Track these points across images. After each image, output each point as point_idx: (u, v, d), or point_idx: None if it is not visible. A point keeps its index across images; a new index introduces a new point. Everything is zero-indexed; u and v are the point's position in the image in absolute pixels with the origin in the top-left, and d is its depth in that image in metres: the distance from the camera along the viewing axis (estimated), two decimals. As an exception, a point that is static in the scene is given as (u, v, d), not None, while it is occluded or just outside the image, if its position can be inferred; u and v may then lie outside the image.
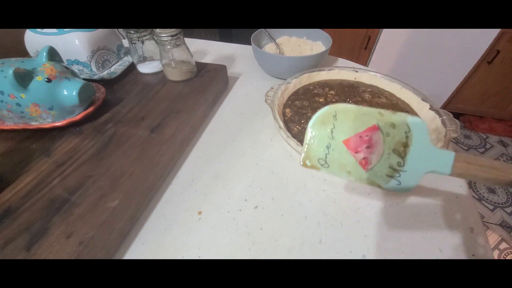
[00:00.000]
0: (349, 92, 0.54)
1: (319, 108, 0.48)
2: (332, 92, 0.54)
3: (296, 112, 0.48)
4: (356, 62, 1.44)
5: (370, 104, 0.51)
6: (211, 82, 0.51)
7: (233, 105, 0.54)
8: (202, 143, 0.46)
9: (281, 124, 0.44)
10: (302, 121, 0.46)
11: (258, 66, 0.65)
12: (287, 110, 0.50)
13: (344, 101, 0.52)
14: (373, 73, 0.56)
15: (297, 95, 0.53)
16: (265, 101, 0.49)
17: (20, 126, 0.37)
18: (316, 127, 0.29)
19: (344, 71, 0.57)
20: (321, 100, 0.52)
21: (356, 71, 0.57)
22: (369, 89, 0.55)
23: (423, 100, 0.49)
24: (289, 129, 0.44)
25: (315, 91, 0.54)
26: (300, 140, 0.44)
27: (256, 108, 0.53)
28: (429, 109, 0.47)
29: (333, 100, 0.52)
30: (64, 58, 0.51)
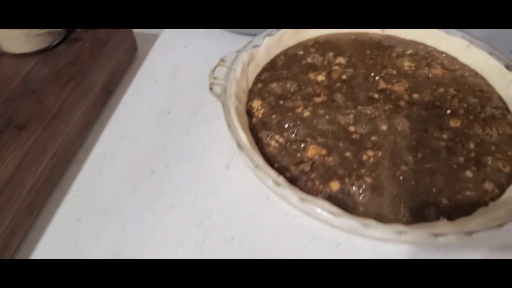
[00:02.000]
0: (374, 59, 0.51)
1: (319, 95, 0.45)
2: (341, 59, 0.50)
3: (274, 106, 0.45)
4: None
5: (415, 79, 0.48)
6: (97, 51, 0.48)
7: (147, 97, 0.52)
8: (83, 184, 0.43)
9: (243, 137, 0.38)
10: (286, 125, 0.42)
11: None
12: (256, 103, 0.45)
13: (365, 76, 0.48)
14: (415, 19, 0.53)
15: (273, 70, 0.49)
16: (210, 88, 0.43)
17: None
18: None
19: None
20: (321, 78, 0.48)
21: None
22: (409, 50, 0.52)
23: (508, 68, 0.46)
24: (261, 144, 0.41)
25: (309, 60, 0.50)
26: (284, 167, 0.39)
27: (195, 100, 0.51)
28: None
29: (344, 75, 0.48)
30: None
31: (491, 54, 0.48)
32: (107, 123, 0.48)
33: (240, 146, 0.37)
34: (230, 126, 0.39)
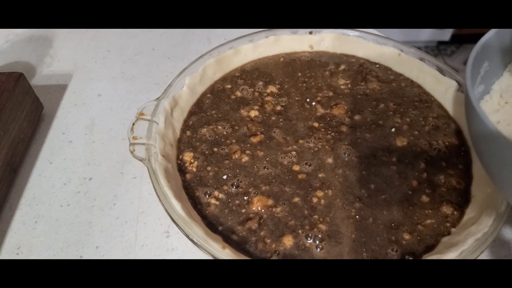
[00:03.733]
0: (307, 81, 0.48)
1: (255, 134, 0.43)
2: (272, 88, 0.48)
3: (208, 156, 0.42)
4: None
5: (353, 98, 0.46)
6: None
7: (63, 165, 0.47)
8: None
9: (177, 206, 0.34)
10: (225, 176, 0.40)
11: (106, 46, 0.62)
12: (188, 156, 0.41)
13: (301, 104, 0.46)
14: (340, 31, 0.51)
15: (201, 112, 0.45)
16: (130, 151, 0.38)
17: None
18: None
19: (288, 36, 0.52)
20: (254, 113, 0.45)
21: (311, 33, 0.52)
22: (342, 66, 0.50)
23: (441, 72, 0.45)
24: (199, 206, 0.38)
25: (238, 94, 0.47)
26: (229, 229, 0.35)
27: (119, 158, 0.47)
28: (457, 90, 0.44)
29: (279, 106, 0.46)
30: None
31: (422, 59, 0.47)
32: (16, 208, 0.42)
33: (174, 220, 0.33)
34: (159, 196, 0.35)
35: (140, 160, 0.38)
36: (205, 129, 0.43)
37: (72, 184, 0.43)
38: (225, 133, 0.43)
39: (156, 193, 0.35)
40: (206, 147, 0.42)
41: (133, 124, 0.40)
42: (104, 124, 0.50)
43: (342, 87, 0.47)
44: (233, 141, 0.42)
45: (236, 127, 0.43)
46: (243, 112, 0.45)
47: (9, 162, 0.42)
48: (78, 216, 0.41)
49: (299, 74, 0.49)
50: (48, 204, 0.42)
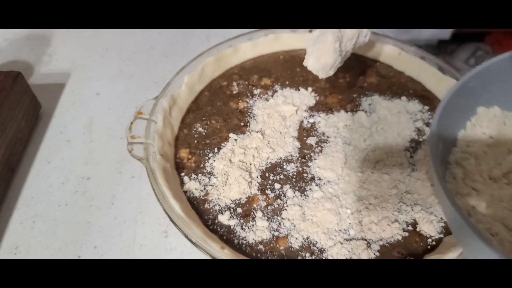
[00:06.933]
0: (304, 76, 0.48)
1: (246, 124, 0.43)
2: (266, 81, 0.48)
3: (202, 148, 0.41)
4: None
5: (349, 90, 0.46)
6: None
7: (61, 164, 0.47)
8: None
9: (176, 206, 0.33)
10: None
11: (104, 45, 0.62)
12: (184, 153, 0.41)
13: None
14: (339, 30, 0.50)
15: (198, 109, 0.45)
16: (129, 151, 0.37)
17: None
18: None
19: (287, 34, 0.51)
20: (242, 104, 0.45)
21: (311, 31, 0.50)
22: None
23: (441, 70, 0.45)
24: (197, 205, 0.37)
25: (233, 88, 0.47)
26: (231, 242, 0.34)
27: (118, 157, 0.46)
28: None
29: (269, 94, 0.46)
30: None
31: (423, 58, 0.47)
32: (14, 207, 0.42)
33: (173, 220, 0.33)
34: (158, 196, 0.35)
35: (138, 159, 0.37)
36: (198, 124, 0.43)
37: (70, 184, 0.43)
38: (218, 126, 0.43)
39: (155, 192, 0.35)
40: (200, 140, 0.42)
41: (131, 123, 0.39)
42: (102, 123, 0.50)
43: (341, 80, 0.47)
44: (224, 130, 0.42)
45: (228, 120, 0.44)
46: (232, 105, 0.45)
47: (7, 162, 0.42)
48: (76, 216, 0.40)
49: (298, 69, 0.49)
50: (46, 203, 0.42)
